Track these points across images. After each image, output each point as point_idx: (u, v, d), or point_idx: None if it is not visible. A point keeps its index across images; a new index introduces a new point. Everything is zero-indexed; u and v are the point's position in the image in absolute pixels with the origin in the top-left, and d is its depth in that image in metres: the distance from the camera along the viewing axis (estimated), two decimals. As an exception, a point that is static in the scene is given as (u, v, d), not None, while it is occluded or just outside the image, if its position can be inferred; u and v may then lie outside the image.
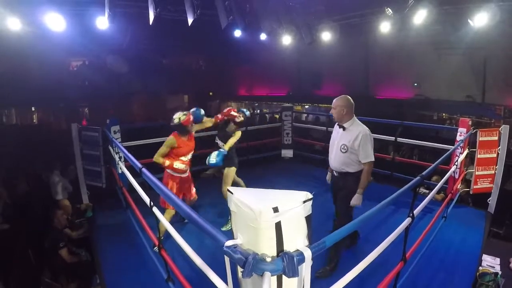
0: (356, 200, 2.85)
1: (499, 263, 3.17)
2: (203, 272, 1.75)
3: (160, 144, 5.00)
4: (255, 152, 6.54)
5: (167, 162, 3.32)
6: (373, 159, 2.83)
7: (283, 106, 7.12)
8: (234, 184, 4.06)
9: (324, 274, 2.81)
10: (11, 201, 5.12)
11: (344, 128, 2.91)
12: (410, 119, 7.53)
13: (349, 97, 2.91)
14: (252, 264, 1.17)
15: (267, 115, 11.69)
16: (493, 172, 4.31)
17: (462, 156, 4.31)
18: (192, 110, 3.67)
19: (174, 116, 3.35)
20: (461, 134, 4.41)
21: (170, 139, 3.36)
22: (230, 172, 3.92)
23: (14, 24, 4.69)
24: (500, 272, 2.99)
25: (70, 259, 3.75)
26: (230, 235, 1.54)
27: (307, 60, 11.68)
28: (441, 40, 8.46)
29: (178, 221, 3.72)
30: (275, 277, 1.29)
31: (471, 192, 4.47)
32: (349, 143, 2.83)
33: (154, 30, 7.22)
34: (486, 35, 6.52)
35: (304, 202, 1.47)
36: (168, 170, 3.42)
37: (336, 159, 2.97)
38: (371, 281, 2.46)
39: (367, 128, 2.85)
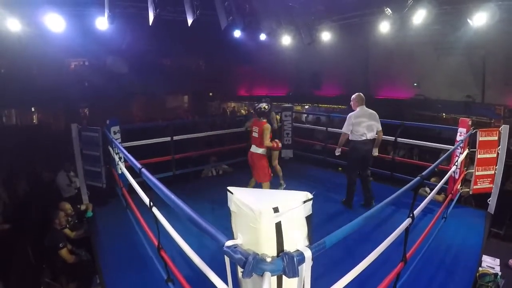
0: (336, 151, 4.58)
1: (499, 263, 3.17)
2: (203, 273, 1.74)
3: (159, 144, 5.06)
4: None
5: (275, 144, 4.36)
6: (343, 131, 4.32)
7: (283, 106, 7.12)
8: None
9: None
10: (11, 201, 5.12)
11: None
12: (409, 119, 7.53)
13: (358, 94, 4.32)
14: (252, 264, 1.17)
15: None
16: (493, 172, 4.30)
17: (462, 156, 4.31)
18: None
19: (261, 105, 4.37)
20: (461, 134, 4.41)
21: (267, 126, 4.28)
22: (275, 155, 5.02)
23: (13, 24, 4.69)
24: (500, 273, 2.99)
25: (70, 259, 3.75)
26: (230, 235, 1.54)
27: (307, 60, 11.66)
28: (441, 40, 8.47)
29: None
30: (275, 277, 1.29)
31: (471, 193, 4.47)
32: None
33: (154, 30, 7.24)
34: (485, 35, 6.52)
35: (305, 202, 1.47)
36: (263, 152, 4.35)
37: None
38: (371, 282, 2.46)
39: (354, 113, 4.25)
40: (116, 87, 12.74)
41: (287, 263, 1.21)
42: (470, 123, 4.46)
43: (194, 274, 2.59)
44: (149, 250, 3.15)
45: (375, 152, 4.43)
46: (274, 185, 4.88)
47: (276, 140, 4.55)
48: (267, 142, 4.27)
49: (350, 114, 4.29)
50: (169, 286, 2.47)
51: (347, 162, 4.48)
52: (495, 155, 4.28)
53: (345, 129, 4.28)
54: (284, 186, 5.01)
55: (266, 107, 4.40)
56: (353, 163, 4.39)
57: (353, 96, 4.37)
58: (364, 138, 4.22)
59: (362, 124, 4.20)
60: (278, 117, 6.23)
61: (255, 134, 4.38)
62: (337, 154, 4.54)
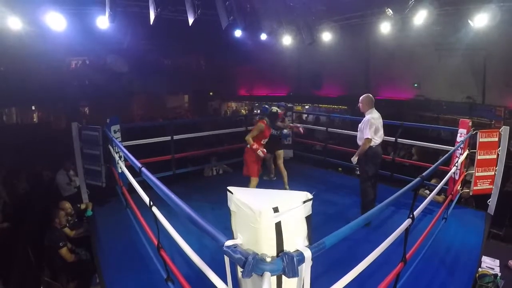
0: (353, 159, 4.08)
1: (498, 264, 3.17)
2: (202, 272, 1.74)
3: (159, 143, 5.05)
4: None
5: (255, 145, 4.27)
6: (367, 136, 3.90)
7: (283, 106, 7.11)
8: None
9: None
10: (11, 200, 5.12)
11: (364, 115, 4.09)
12: (410, 119, 7.53)
13: (368, 95, 4.13)
14: (252, 264, 1.17)
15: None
16: (493, 173, 4.30)
17: (462, 157, 4.31)
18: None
19: (272, 107, 4.69)
20: (461, 135, 4.41)
21: (260, 125, 4.36)
22: (280, 153, 5.32)
23: (14, 23, 4.69)
24: (499, 274, 2.99)
25: (70, 258, 3.75)
26: (230, 235, 1.54)
27: (307, 61, 11.65)
28: (441, 40, 8.45)
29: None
30: (275, 277, 1.29)
31: (471, 193, 4.47)
32: (360, 125, 4.02)
33: (155, 29, 7.21)
34: (486, 36, 6.52)
35: (304, 202, 1.47)
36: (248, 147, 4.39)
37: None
38: (371, 282, 2.46)
39: (374, 116, 3.96)
40: (116, 86, 12.74)
41: (287, 263, 1.21)
42: (470, 124, 4.46)
43: (193, 273, 2.59)
44: (148, 250, 3.15)
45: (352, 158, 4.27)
46: (278, 188, 4.87)
47: (262, 142, 4.45)
48: (249, 135, 4.35)
49: (370, 117, 3.93)
50: (168, 285, 2.47)
51: (367, 170, 4.01)
52: (495, 156, 4.28)
53: (370, 134, 3.89)
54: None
55: (279, 109, 4.79)
56: (371, 170, 4.01)
57: (363, 97, 4.08)
58: (380, 140, 4.06)
59: (378, 125, 4.02)
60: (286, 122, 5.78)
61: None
62: (354, 162, 4.05)
